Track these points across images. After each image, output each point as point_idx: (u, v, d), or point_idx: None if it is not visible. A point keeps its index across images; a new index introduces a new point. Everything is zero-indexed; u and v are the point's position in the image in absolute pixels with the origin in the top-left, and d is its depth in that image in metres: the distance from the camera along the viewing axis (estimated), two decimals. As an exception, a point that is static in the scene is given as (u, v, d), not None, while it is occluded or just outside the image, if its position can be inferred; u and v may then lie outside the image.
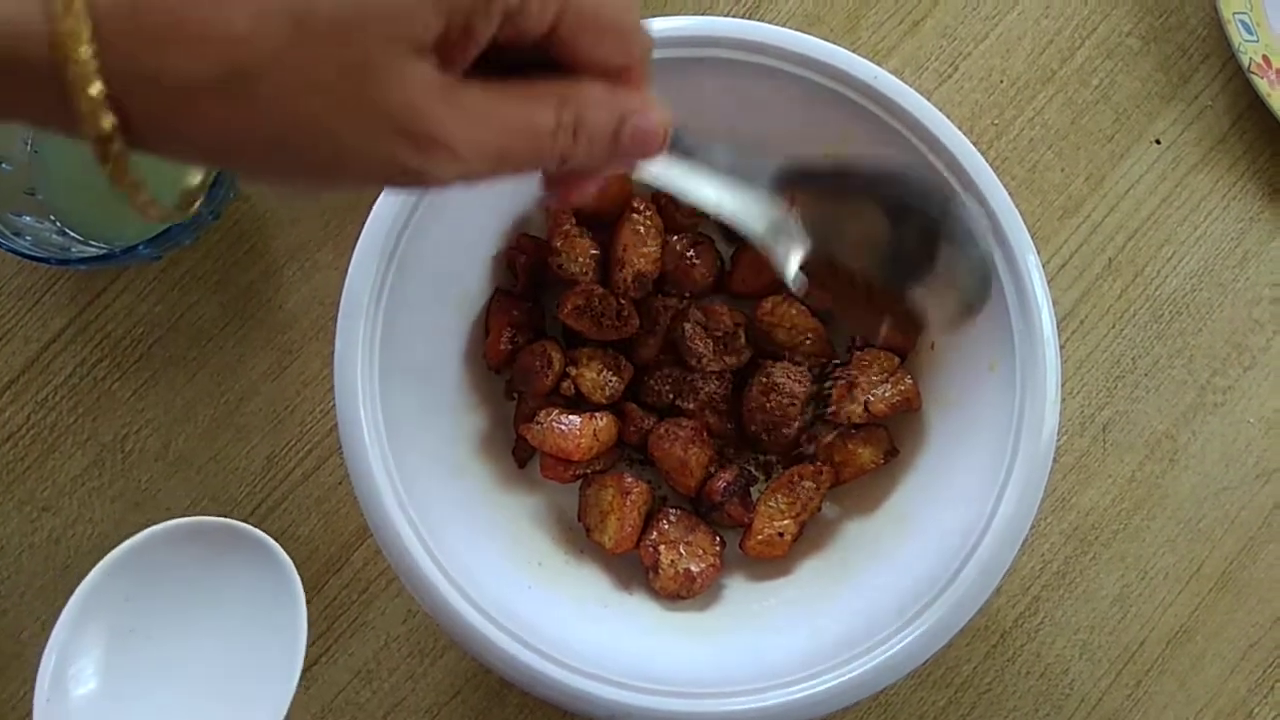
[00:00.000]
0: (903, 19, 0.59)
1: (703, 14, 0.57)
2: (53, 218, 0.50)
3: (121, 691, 0.43)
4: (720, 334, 0.49)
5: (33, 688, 0.49)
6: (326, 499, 0.52)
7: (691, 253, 0.50)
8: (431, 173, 0.26)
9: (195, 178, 0.48)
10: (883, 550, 0.46)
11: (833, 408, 0.48)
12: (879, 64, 0.45)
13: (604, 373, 0.48)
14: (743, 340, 0.50)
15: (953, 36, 0.58)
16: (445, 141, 0.25)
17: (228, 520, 0.44)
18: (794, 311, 0.49)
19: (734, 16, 0.56)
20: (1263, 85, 0.56)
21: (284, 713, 0.42)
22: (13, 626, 0.50)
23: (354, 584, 0.51)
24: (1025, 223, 0.45)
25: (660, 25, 0.46)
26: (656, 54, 0.46)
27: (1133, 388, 0.55)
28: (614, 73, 0.29)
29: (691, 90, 0.48)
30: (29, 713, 0.49)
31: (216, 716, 0.43)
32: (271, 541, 0.44)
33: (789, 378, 0.48)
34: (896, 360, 0.49)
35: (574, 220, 0.49)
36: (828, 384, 0.49)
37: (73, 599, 0.43)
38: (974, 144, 0.45)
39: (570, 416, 0.47)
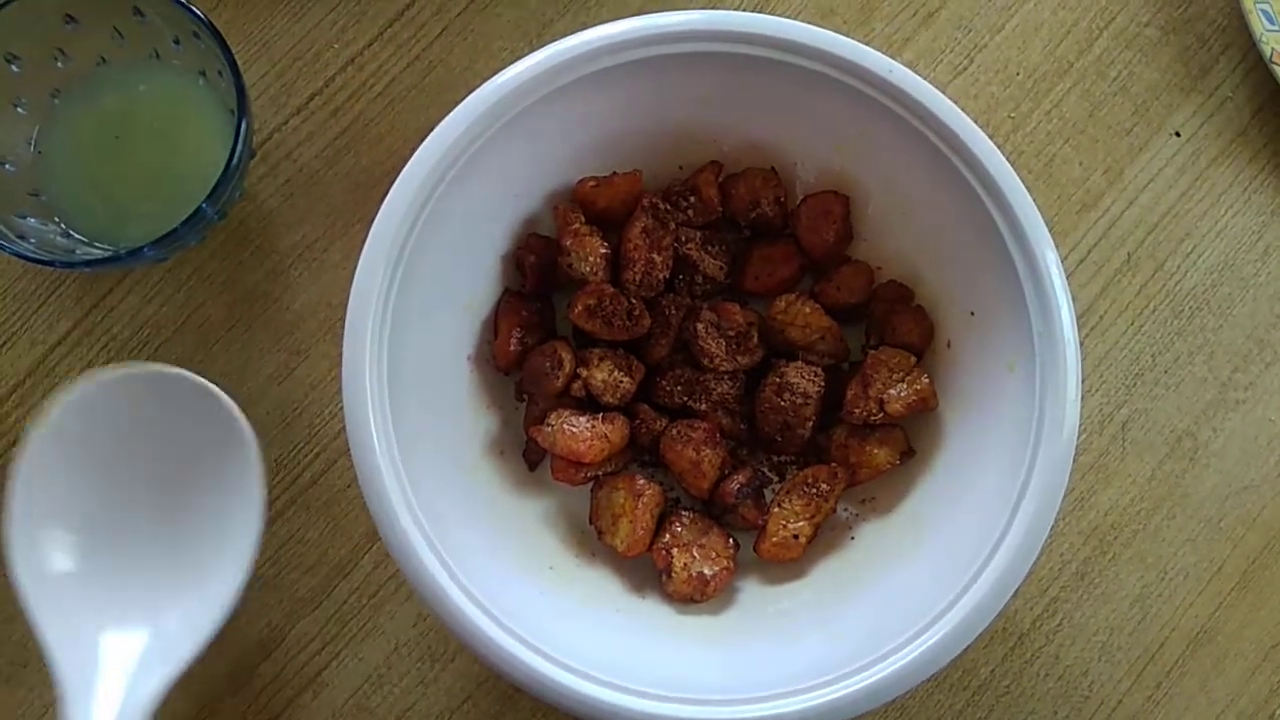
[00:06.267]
0: (916, 11, 0.58)
1: (712, 8, 0.56)
2: (57, 219, 0.50)
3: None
4: (733, 333, 0.48)
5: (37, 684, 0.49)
6: (335, 502, 0.51)
7: (703, 251, 0.49)
8: None
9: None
10: (900, 553, 0.45)
11: (847, 407, 0.48)
12: (893, 57, 0.45)
13: (615, 373, 0.47)
14: (755, 340, 0.49)
15: (968, 28, 0.57)
16: None
17: (162, 367, 0.45)
18: (807, 310, 0.48)
19: (744, 10, 0.55)
20: (1285, 76, 0.55)
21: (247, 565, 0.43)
22: (21, 634, 0.50)
23: (364, 588, 0.50)
24: (1043, 218, 0.44)
25: (669, 19, 0.45)
26: (665, 50, 0.46)
27: (1152, 385, 0.54)
28: None
29: (701, 86, 0.47)
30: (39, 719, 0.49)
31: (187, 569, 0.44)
32: (216, 390, 0.44)
33: (803, 377, 0.48)
34: (913, 359, 0.48)
35: (584, 219, 0.48)
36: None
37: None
38: (990, 137, 0.44)
39: (581, 418, 0.46)
